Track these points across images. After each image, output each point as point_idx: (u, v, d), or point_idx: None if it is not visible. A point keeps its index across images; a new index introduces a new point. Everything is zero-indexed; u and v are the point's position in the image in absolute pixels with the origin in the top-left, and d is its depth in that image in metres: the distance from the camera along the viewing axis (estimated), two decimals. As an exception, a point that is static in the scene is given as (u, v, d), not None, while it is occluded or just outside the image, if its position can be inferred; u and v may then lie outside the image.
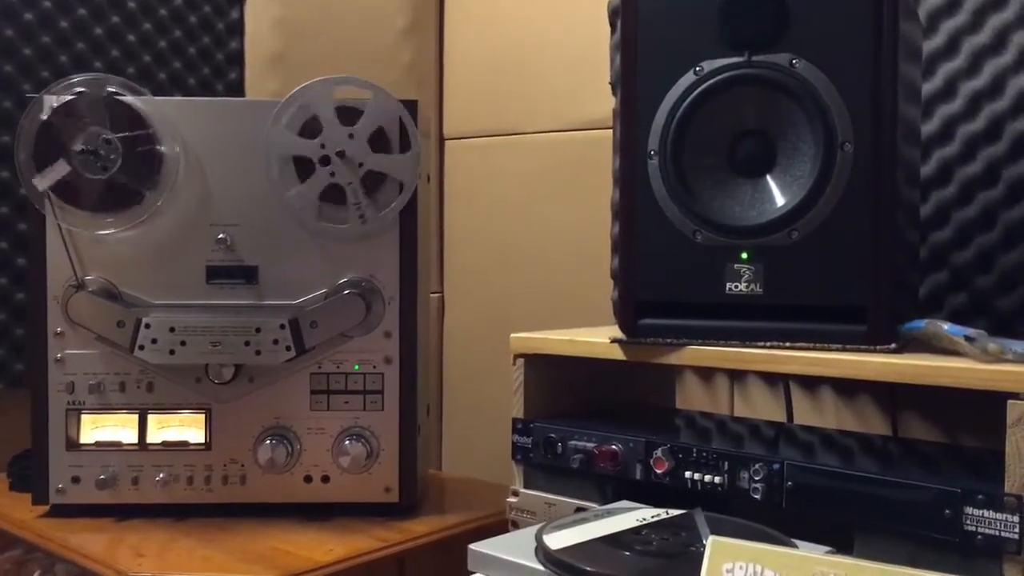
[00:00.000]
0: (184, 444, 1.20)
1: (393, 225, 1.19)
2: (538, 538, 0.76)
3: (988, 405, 0.78)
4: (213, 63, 1.65)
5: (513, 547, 0.77)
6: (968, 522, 0.77)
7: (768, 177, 0.93)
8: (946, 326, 0.85)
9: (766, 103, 0.92)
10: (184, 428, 1.20)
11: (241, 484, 1.20)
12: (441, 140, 1.76)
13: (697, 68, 0.93)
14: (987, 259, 1.15)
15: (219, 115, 1.19)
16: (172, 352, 1.16)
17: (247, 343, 1.16)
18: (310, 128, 1.17)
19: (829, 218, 0.89)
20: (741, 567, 0.62)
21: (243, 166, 1.18)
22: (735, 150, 0.94)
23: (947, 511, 0.78)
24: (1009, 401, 0.76)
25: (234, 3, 1.67)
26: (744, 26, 0.91)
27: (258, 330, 1.16)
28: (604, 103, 1.48)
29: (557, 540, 0.75)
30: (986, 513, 0.76)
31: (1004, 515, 0.75)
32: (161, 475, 1.19)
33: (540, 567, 0.73)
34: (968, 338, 0.83)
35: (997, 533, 0.75)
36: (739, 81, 0.92)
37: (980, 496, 0.76)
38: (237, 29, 1.68)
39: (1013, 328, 1.12)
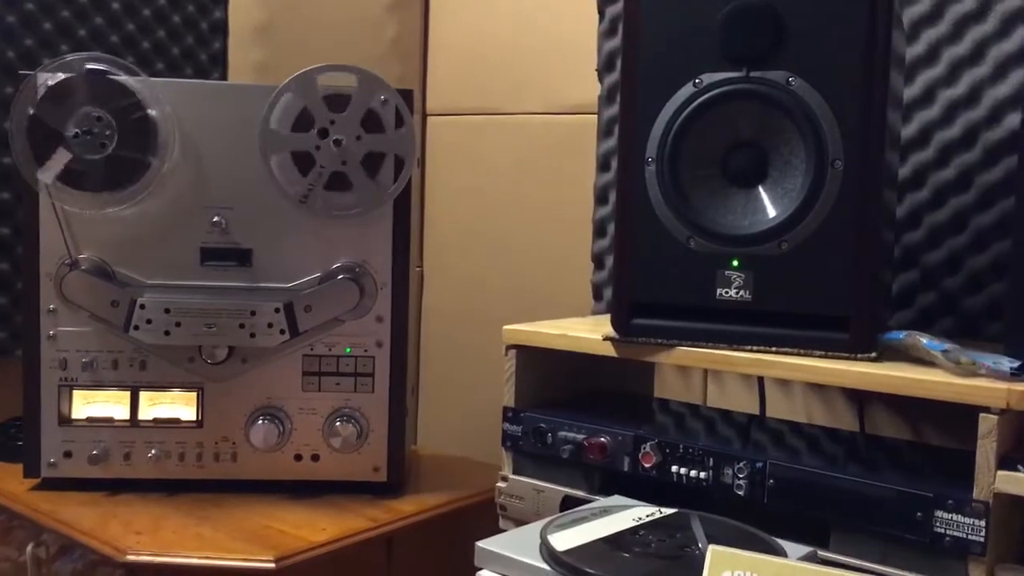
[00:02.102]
0: (176, 421, 1.23)
1: (387, 211, 1.21)
2: (543, 537, 0.81)
3: (953, 409, 0.84)
4: (197, 32, 1.64)
5: (518, 545, 0.82)
6: (937, 524, 0.83)
7: (761, 189, 0.97)
8: (924, 340, 0.90)
9: (761, 117, 0.95)
10: (176, 406, 1.23)
11: (232, 461, 1.23)
12: (424, 116, 1.77)
13: (696, 80, 0.96)
14: (956, 261, 1.20)
15: (214, 98, 1.20)
16: (167, 333, 1.18)
17: (242, 325, 1.19)
18: (302, 119, 1.17)
19: (817, 231, 0.93)
20: (739, 575, 0.67)
21: (238, 149, 1.19)
22: (730, 161, 0.98)
23: (918, 513, 0.84)
24: (981, 415, 0.82)
25: (218, -29, 1.66)
26: (743, 42, 0.94)
27: (253, 313, 1.19)
28: (590, 88, 1.51)
29: (561, 540, 0.80)
30: (955, 517, 0.82)
31: (972, 519, 0.81)
32: (153, 451, 1.22)
33: (546, 567, 0.77)
34: (944, 351, 0.88)
35: (964, 536, 0.81)
36: (736, 95, 0.95)
37: (950, 501, 0.82)
38: (221, -2, 1.66)
39: (979, 327, 1.18)
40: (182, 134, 1.18)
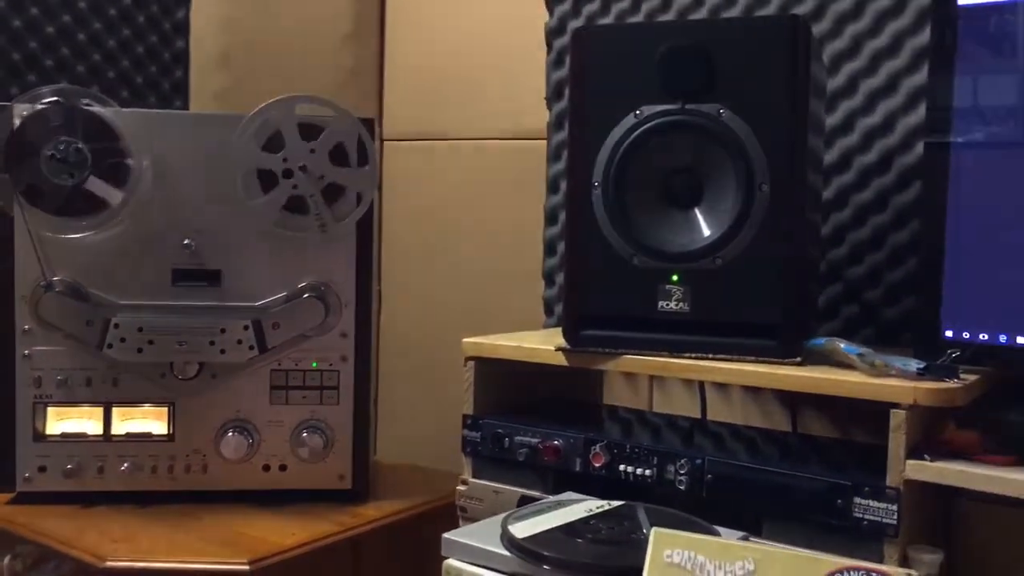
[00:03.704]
0: (148, 435, 1.28)
1: (350, 234, 1.29)
2: (503, 527, 0.89)
3: (872, 407, 0.94)
4: (160, 62, 1.70)
5: (481, 535, 0.90)
6: (856, 510, 0.92)
7: (697, 210, 1.07)
8: (842, 344, 1.00)
9: (696, 146, 1.05)
10: (148, 420, 1.28)
11: (203, 473, 1.29)
12: (381, 141, 1.84)
13: (637, 112, 1.06)
14: (876, 275, 1.31)
15: (185, 128, 1.27)
16: (140, 350, 1.23)
17: (212, 342, 1.25)
18: (273, 142, 1.24)
19: (748, 248, 1.03)
20: (679, 553, 0.75)
21: (208, 176, 1.25)
22: (669, 185, 1.07)
23: (839, 501, 0.93)
24: (892, 410, 0.92)
25: (180, 3, 1.72)
26: (679, 78, 1.04)
27: (223, 330, 1.25)
28: (539, 115, 1.61)
29: (521, 529, 0.88)
30: (871, 503, 0.92)
31: (885, 504, 0.91)
32: (126, 464, 1.27)
33: (507, 553, 0.85)
34: (860, 355, 0.98)
35: (880, 520, 0.91)
36: (673, 126, 1.05)
37: (866, 488, 0.92)
38: (183, 29, 1.73)
39: (897, 336, 1.28)
40: (153, 162, 1.24)
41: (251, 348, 1.25)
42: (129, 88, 1.65)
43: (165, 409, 1.28)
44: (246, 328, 1.25)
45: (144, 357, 1.24)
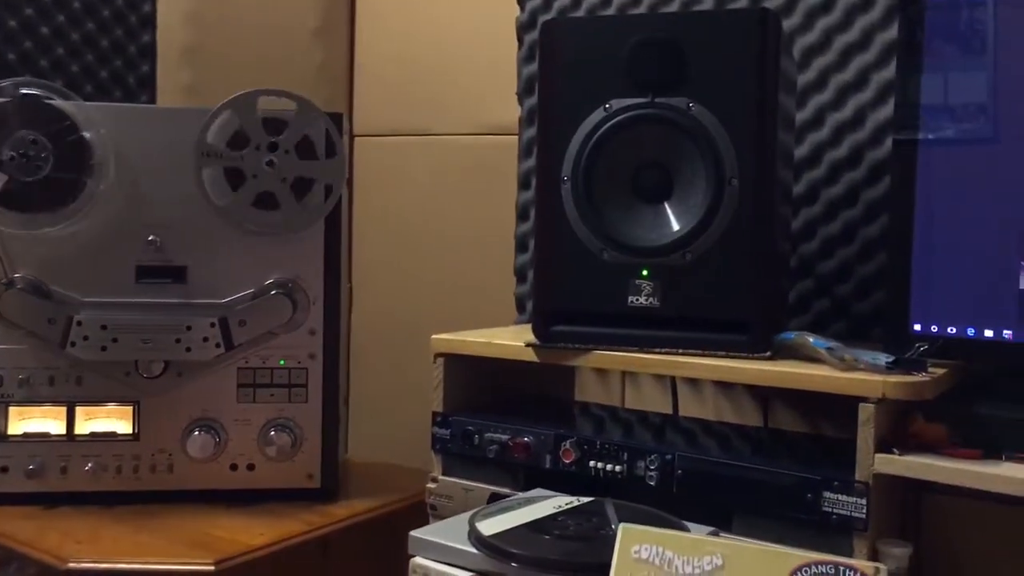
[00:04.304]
0: (112, 435, 1.26)
1: (318, 229, 1.27)
2: (471, 524, 0.88)
3: (842, 401, 0.94)
4: (125, 56, 1.67)
5: (449, 532, 0.89)
6: (826, 504, 0.92)
7: (666, 205, 1.06)
8: (811, 338, 1.00)
9: (666, 140, 1.04)
10: (112, 420, 1.26)
11: (169, 472, 1.27)
12: (351, 137, 1.83)
13: (607, 106, 1.05)
14: (847, 269, 1.31)
15: (149, 122, 1.24)
16: (104, 349, 1.21)
17: (177, 340, 1.23)
18: (237, 139, 1.22)
19: (717, 243, 1.03)
20: (647, 549, 0.75)
21: (173, 170, 1.23)
22: (638, 179, 1.07)
23: (809, 495, 0.93)
24: (860, 404, 0.91)
25: (147, -4, 1.70)
26: (648, 71, 1.04)
27: (188, 328, 1.23)
28: (511, 110, 1.60)
29: (488, 526, 0.87)
30: (840, 497, 0.92)
31: (854, 499, 0.91)
32: (90, 464, 1.25)
33: (474, 550, 0.84)
34: (829, 349, 0.98)
35: (849, 514, 0.91)
36: (642, 120, 1.04)
37: (836, 482, 0.92)
38: (149, 22, 1.70)
39: (867, 330, 1.29)
40: (117, 156, 1.22)
41: (217, 346, 1.24)
42: (94, 82, 1.63)
43: (130, 408, 1.26)
44: (212, 325, 1.23)
45: (108, 355, 1.22)
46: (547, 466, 1.08)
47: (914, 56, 1.01)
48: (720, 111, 1.02)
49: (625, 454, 1.03)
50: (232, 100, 1.21)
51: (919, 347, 0.95)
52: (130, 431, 1.26)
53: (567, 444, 1.07)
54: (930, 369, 0.94)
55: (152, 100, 1.70)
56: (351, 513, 1.28)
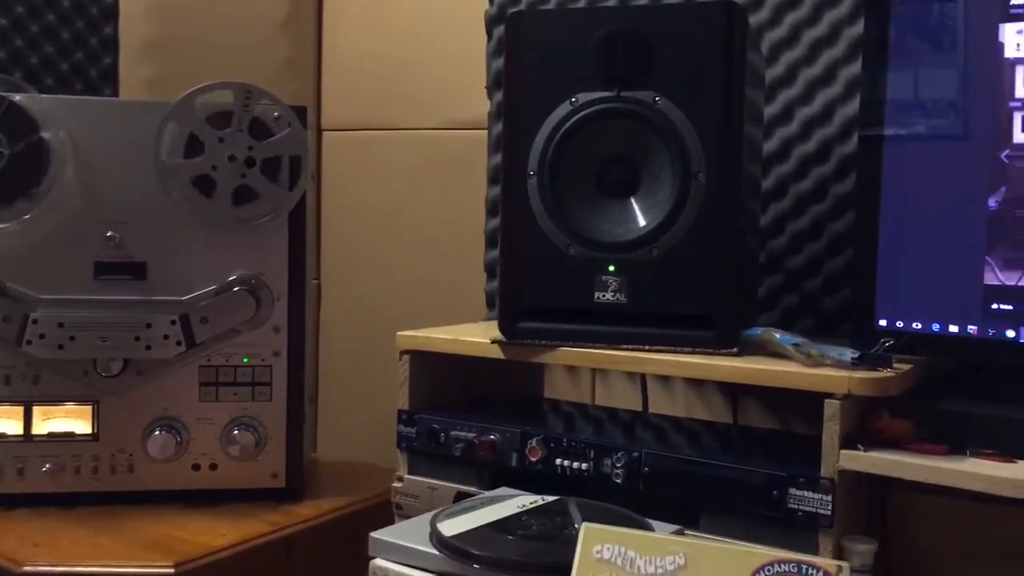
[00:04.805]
0: (71, 435, 1.23)
1: (282, 224, 1.25)
2: (432, 525, 0.86)
3: (811, 398, 0.93)
4: (86, 48, 1.64)
5: (410, 534, 0.87)
6: (791, 501, 0.92)
7: (633, 199, 1.05)
8: (778, 334, 0.99)
9: (632, 134, 1.03)
10: (71, 419, 1.23)
11: (129, 473, 1.25)
12: (320, 131, 1.80)
13: (573, 99, 1.04)
14: (815, 265, 1.31)
15: (107, 114, 1.22)
16: (61, 347, 1.19)
17: (137, 338, 1.20)
18: (193, 145, 1.20)
19: (684, 238, 1.02)
20: (608, 548, 0.74)
21: (133, 165, 1.20)
22: (605, 174, 1.05)
23: (775, 492, 0.92)
24: (826, 400, 0.91)
25: (108, -13, 1.66)
26: (615, 64, 1.02)
27: (148, 325, 1.20)
28: (481, 105, 1.58)
29: (450, 527, 0.85)
30: (806, 493, 0.91)
31: (820, 495, 0.90)
32: (48, 465, 1.22)
33: (435, 552, 0.83)
34: (795, 345, 0.97)
35: (814, 510, 0.90)
36: (609, 113, 1.03)
37: (801, 479, 0.91)
38: (111, 14, 1.67)
39: (835, 325, 1.28)
40: (75, 150, 1.19)
41: (178, 344, 1.21)
42: (54, 75, 1.59)
43: (89, 408, 1.23)
44: (173, 323, 1.21)
45: (65, 354, 1.19)
46: (513, 464, 1.07)
47: (880, 53, 1.01)
48: (686, 105, 1.01)
49: (592, 452, 1.02)
50: (172, 111, 1.18)
51: (884, 343, 0.95)
52: (89, 431, 1.23)
53: (533, 442, 1.05)
54: (896, 365, 0.94)
55: (115, 93, 1.67)
56: (317, 513, 1.26)
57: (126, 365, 1.23)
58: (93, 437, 1.23)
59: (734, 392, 1.32)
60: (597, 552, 0.74)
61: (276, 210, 1.23)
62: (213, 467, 1.26)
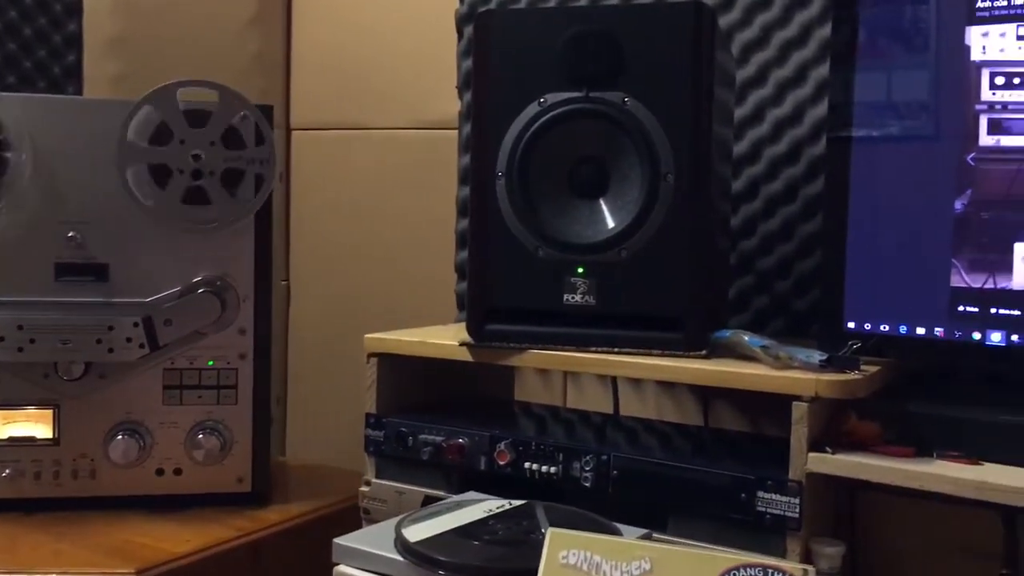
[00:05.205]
0: (31, 440, 1.21)
1: (248, 224, 1.23)
2: (397, 530, 0.85)
3: (780, 400, 0.93)
4: (50, 45, 1.61)
5: (374, 539, 0.86)
6: (759, 504, 0.91)
7: (602, 201, 1.04)
8: (747, 336, 0.99)
9: (601, 135, 1.02)
10: (31, 424, 1.21)
11: (91, 478, 1.22)
12: (288, 130, 1.78)
13: (541, 100, 1.03)
14: (786, 266, 1.31)
15: (69, 113, 1.19)
16: (20, 350, 1.16)
17: (99, 341, 1.18)
18: (161, 135, 1.18)
19: (653, 239, 1.01)
20: (575, 554, 0.73)
21: (93, 164, 1.18)
22: (574, 175, 1.05)
23: (743, 495, 0.92)
24: (793, 403, 0.91)
25: (72, -17, 1.64)
26: (584, 65, 1.01)
27: (111, 328, 1.18)
28: (451, 104, 1.57)
29: (415, 533, 0.84)
30: (774, 496, 0.91)
31: (788, 498, 0.90)
32: (7, 471, 1.19)
33: (399, 558, 0.82)
34: (763, 347, 0.97)
35: (782, 513, 0.90)
36: (577, 114, 1.02)
37: (769, 482, 0.91)
38: (75, 10, 1.64)
39: (806, 327, 1.28)
40: (36, 149, 1.17)
41: (141, 346, 1.19)
42: (17, 73, 1.56)
43: (49, 411, 1.21)
44: (136, 325, 1.19)
45: (25, 357, 1.16)
46: (482, 468, 1.06)
47: (847, 55, 1.01)
48: (655, 105, 1.00)
49: (560, 455, 1.02)
50: (151, 94, 1.16)
51: (852, 345, 0.94)
52: (50, 435, 1.21)
53: (502, 445, 1.04)
54: (863, 367, 0.94)
55: (79, 91, 1.64)
56: (284, 518, 1.24)
57: (88, 368, 1.20)
58: (54, 442, 1.21)
59: (705, 394, 1.32)
60: (563, 557, 0.73)
61: (223, 221, 1.20)
62: (177, 472, 1.24)
